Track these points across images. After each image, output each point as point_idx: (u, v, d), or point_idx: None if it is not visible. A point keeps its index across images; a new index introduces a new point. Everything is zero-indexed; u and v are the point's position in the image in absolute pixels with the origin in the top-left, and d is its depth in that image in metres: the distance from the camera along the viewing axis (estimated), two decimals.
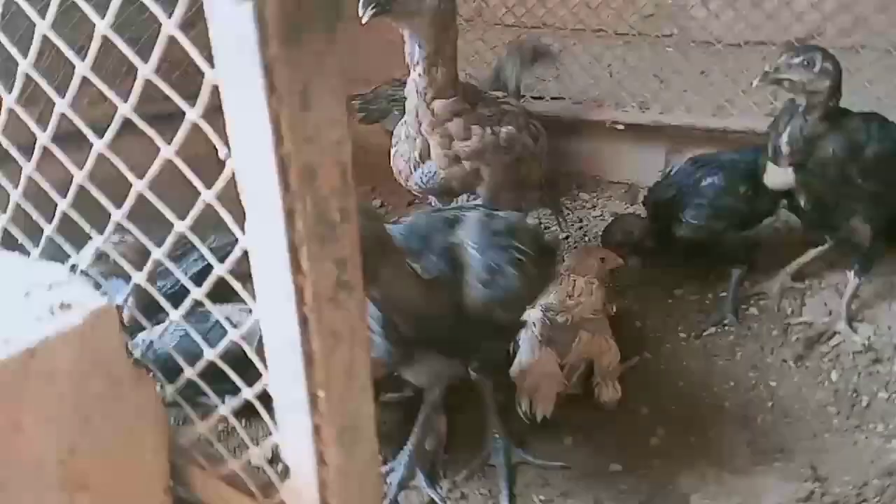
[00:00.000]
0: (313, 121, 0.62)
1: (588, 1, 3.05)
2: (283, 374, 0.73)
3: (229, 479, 0.91)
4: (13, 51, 0.79)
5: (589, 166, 3.31)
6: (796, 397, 2.01)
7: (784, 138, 1.97)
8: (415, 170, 1.87)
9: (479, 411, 1.85)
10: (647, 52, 3.04)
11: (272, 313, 0.70)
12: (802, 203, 2.08)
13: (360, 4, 1.51)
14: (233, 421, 0.85)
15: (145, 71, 0.66)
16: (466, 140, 1.78)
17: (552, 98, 3.28)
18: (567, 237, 2.90)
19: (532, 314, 1.97)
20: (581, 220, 3.06)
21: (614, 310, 2.11)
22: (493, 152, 1.81)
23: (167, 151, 0.70)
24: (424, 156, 1.83)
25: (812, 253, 2.46)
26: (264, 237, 0.66)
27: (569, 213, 2.77)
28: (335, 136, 0.65)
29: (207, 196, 0.69)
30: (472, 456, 1.82)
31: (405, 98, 1.79)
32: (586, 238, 2.88)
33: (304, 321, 0.68)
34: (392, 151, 1.96)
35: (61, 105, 0.77)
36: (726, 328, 2.30)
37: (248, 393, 0.76)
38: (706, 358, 2.18)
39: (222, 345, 0.77)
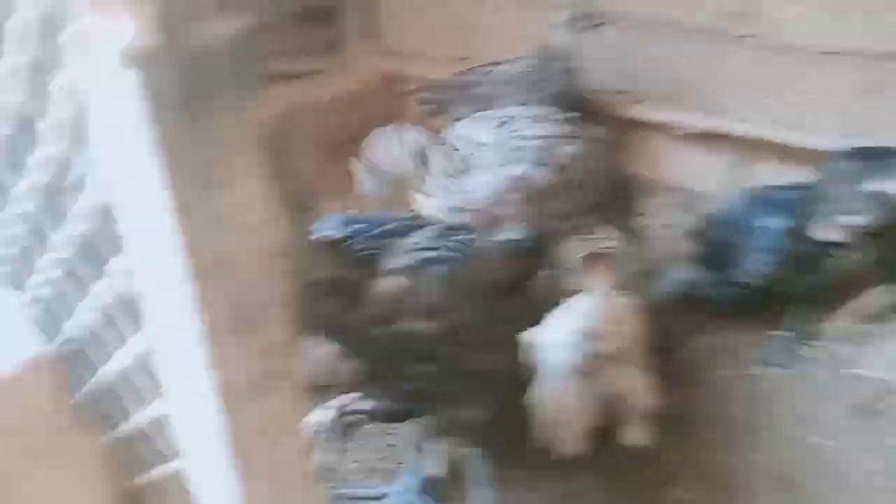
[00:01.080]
0: (223, 204, 0.51)
1: None
2: (204, 473, 0.63)
3: None
4: None
5: (646, 169, 3.09)
6: (843, 461, 1.81)
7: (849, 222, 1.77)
8: None
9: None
10: (723, 50, 2.78)
11: (184, 412, 0.60)
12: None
13: None
14: None
15: None
16: None
17: (617, 92, 3.08)
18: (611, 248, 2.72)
19: (563, 337, 1.82)
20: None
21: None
22: None
23: None
24: None
25: (880, 291, 2.22)
26: (168, 336, 0.55)
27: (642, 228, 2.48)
28: (253, 218, 0.53)
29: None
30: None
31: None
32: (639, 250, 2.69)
33: (221, 420, 0.58)
34: None
35: None
36: (776, 370, 2.10)
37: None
38: (749, 402, 1.99)
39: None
